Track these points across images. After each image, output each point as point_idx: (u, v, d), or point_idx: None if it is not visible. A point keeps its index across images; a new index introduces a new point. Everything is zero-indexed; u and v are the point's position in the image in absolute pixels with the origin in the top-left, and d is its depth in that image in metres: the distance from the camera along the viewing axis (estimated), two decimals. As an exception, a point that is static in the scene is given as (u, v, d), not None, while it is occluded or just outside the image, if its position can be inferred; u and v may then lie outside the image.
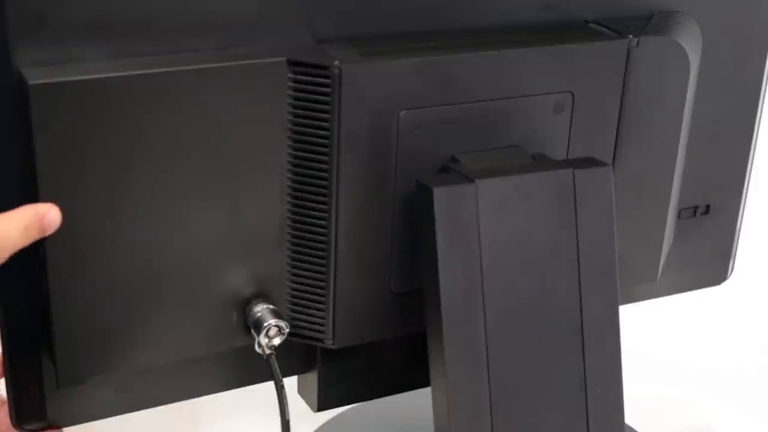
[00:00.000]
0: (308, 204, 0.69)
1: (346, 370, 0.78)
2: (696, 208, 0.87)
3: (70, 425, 0.71)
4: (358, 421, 0.98)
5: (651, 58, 0.76)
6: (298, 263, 0.70)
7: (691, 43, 0.78)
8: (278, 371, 0.71)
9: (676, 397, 1.13)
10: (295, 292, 0.71)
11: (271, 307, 0.70)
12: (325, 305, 0.71)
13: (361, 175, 0.69)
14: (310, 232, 0.69)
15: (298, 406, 0.78)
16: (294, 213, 0.69)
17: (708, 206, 0.88)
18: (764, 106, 0.87)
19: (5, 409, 0.69)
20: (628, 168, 0.78)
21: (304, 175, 0.68)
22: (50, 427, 0.70)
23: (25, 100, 0.59)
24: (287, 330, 0.70)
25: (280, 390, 0.72)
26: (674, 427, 1.08)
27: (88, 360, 0.67)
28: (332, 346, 0.73)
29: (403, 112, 0.69)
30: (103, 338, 0.67)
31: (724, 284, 0.93)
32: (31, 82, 0.59)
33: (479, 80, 0.71)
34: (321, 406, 0.79)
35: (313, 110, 0.67)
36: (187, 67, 0.63)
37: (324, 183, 0.68)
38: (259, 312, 0.70)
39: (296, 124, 0.67)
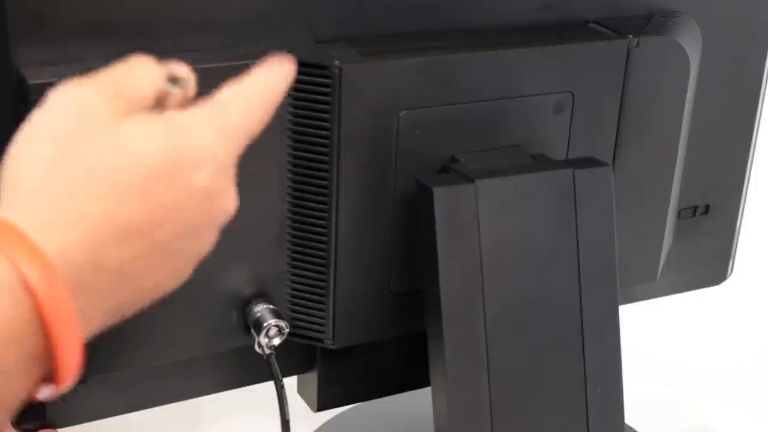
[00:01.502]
0: (308, 204, 0.69)
1: (345, 370, 0.78)
2: (696, 208, 0.87)
3: (70, 425, 0.71)
4: (358, 421, 0.98)
5: (651, 58, 0.76)
6: (298, 263, 0.70)
7: (691, 43, 0.78)
8: (278, 371, 0.71)
9: (675, 397, 1.13)
10: (295, 292, 0.71)
11: (271, 307, 0.70)
12: (325, 305, 0.71)
13: (361, 175, 0.69)
14: (310, 232, 0.69)
15: (298, 406, 0.78)
16: (294, 213, 0.69)
17: (708, 206, 0.88)
18: (764, 106, 0.87)
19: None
20: (628, 168, 0.78)
21: (304, 175, 0.68)
22: (44, 426, 0.70)
23: (25, 100, 0.59)
24: (287, 330, 0.70)
25: (280, 390, 0.72)
26: (673, 427, 1.08)
27: (88, 360, 0.67)
28: (332, 346, 0.73)
29: (403, 112, 0.69)
30: (103, 338, 0.67)
31: (723, 284, 0.93)
32: (31, 82, 0.59)
33: (479, 80, 0.71)
34: (321, 406, 0.79)
35: (313, 110, 0.67)
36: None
37: (324, 183, 0.68)
38: (259, 312, 0.70)
39: (296, 124, 0.67)
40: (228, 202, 0.54)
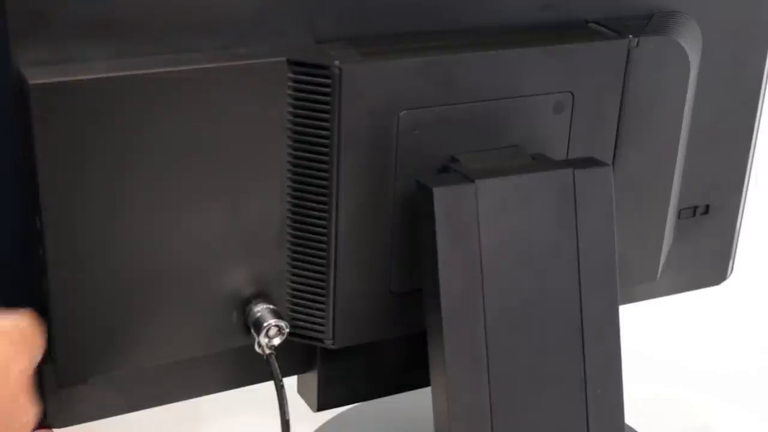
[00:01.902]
0: (308, 204, 0.69)
1: (346, 370, 0.78)
2: (696, 208, 0.87)
3: (70, 425, 0.71)
4: (358, 421, 0.98)
5: (651, 58, 0.76)
6: (298, 263, 0.70)
7: (691, 43, 0.78)
8: (278, 371, 0.71)
9: (675, 397, 1.13)
10: (295, 292, 0.71)
11: (271, 307, 0.70)
12: (325, 305, 0.71)
13: (361, 175, 0.69)
14: (310, 232, 0.69)
15: (298, 406, 0.78)
16: (294, 213, 0.69)
17: (708, 206, 0.88)
18: (764, 106, 0.87)
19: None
20: (628, 168, 0.78)
21: (304, 175, 0.68)
22: (41, 427, 0.70)
23: (25, 100, 0.59)
24: (287, 330, 0.70)
25: (280, 390, 0.72)
26: (673, 427, 1.08)
27: (88, 360, 0.67)
28: (332, 346, 0.73)
29: (403, 112, 0.69)
30: (102, 338, 0.67)
31: (723, 284, 0.93)
32: (31, 82, 0.59)
33: (479, 80, 0.71)
34: (321, 406, 0.79)
35: (313, 110, 0.67)
36: (188, 67, 0.63)
37: (324, 183, 0.68)
38: (259, 312, 0.70)
39: (296, 124, 0.67)
40: (31, 415, 0.57)
